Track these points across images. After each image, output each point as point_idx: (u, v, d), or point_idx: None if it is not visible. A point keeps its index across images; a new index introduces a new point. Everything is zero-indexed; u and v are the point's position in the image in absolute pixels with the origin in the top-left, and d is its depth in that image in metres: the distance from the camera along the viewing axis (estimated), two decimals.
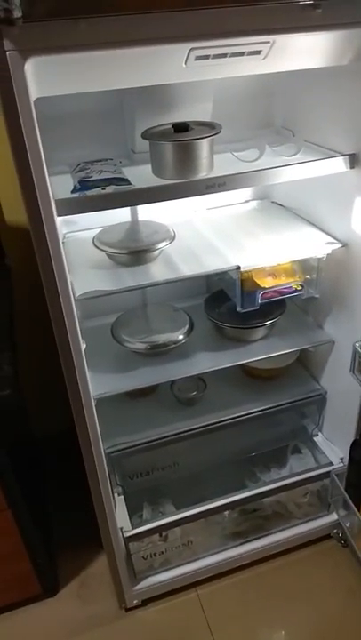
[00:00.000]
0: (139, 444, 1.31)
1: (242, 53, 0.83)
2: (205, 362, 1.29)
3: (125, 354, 1.30)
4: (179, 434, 1.34)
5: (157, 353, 1.28)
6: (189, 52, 0.78)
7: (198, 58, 0.80)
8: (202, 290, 1.55)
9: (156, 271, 1.16)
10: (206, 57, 0.80)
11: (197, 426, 1.35)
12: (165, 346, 1.26)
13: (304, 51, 0.87)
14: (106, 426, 1.34)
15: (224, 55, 0.82)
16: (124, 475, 1.37)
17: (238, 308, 1.23)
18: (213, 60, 0.82)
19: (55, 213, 0.88)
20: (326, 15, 0.79)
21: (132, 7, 0.70)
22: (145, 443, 1.31)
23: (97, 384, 1.22)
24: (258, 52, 0.84)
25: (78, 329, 0.98)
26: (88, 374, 1.07)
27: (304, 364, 1.52)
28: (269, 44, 0.83)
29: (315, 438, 1.55)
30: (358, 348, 1.10)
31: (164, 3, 0.70)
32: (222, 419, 1.37)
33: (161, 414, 1.39)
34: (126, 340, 1.28)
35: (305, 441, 1.57)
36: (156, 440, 1.32)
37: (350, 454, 1.28)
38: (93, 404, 1.12)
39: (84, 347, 1.06)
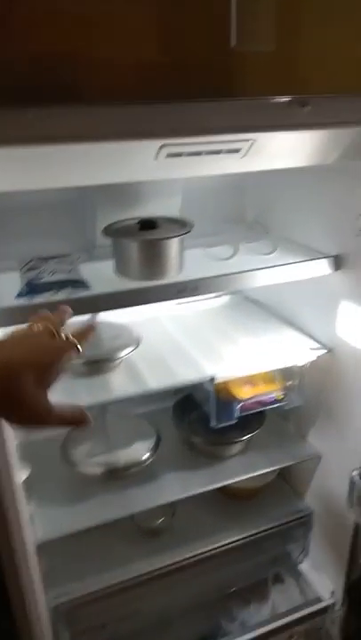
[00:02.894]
0: (91, 594, 1.06)
1: (219, 151, 0.72)
2: (175, 486, 1.09)
3: (78, 478, 1.09)
4: (141, 576, 1.10)
5: (117, 477, 1.07)
6: (160, 149, 0.67)
7: (170, 155, 0.69)
8: (169, 391, 1.38)
9: (118, 383, 0.99)
10: (179, 154, 0.69)
11: (164, 565, 1.12)
12: (127, 469, 1.06)
13: (287, 149, 0.78)
14: (50, 567, 1.10)
15: (199, 153, 0.71)
16: (72, 633, 1.10)
17: (213, 423, 1.07)
18: (187, 158, 0.71)
19: None
20: (314, 114, 0.70)
21: (91, 97, 0.58)
22: (98, 591, 1.07)
23: (40, 522, 0.99)
24: (237, 151, 0.74)
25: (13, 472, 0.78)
26: (28, 511, 0.86)
27: (286, 479, 1.34)
28: (250, 142, 0.73)
29: (300, 566, 1.34)
30: (357, 479, 0.93)
31: (129, 93, 0.58)
32: (194, 553, 1.14)
33: (120, 549, 1.16)
34: (79, 462, 1.07)
35: (289, 569, 1.35)
36: (113, 586, 1.08)
37: (350, 595, 1.07)
38: (33, 551, 0.89)
39: (25, 475, 0.86)
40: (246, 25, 0.56)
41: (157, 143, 0.65)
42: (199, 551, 1.15)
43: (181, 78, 0.58)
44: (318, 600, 1.25)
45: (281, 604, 1.31)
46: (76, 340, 0.57)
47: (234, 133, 0.69)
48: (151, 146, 0.65)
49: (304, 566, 1.34)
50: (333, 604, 1.24)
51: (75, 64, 0.57)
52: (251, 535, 1.19)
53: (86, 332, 0.60)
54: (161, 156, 0.68)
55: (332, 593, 1.25)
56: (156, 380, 0.98)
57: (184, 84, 0.58)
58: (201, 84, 0.59)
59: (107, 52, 0.58)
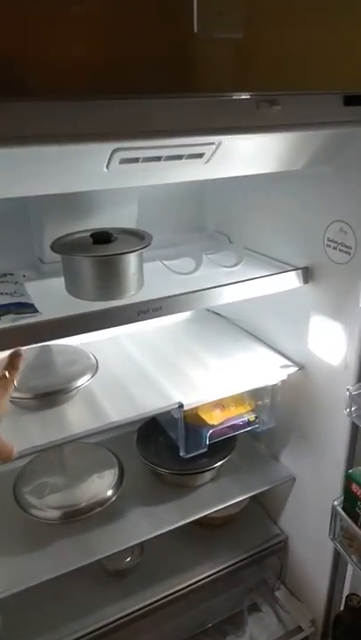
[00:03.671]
0: None
1: (180, 157, 0.64)
2: (142, 524, 0.99)
3: (33, 522, 0.97)
4: (109, 624, 1.00)
5: (78, 520, 0.96)
6: (112, 154, 0.58)
7: (124, 161, 0.60)
8: None
9: (74, 417, 0.88)
10: (135, 160, 0.60)
11: (133, 609, 1.02)
12: (89, 510, 0.95)
13: (255, 154, 0.71)
14: (3, 624, 0.98)
15: (158, 158, 0.62)
16: None
17: (182, 453, 0.98)
18: (144, 165, 0.62)
19: None
20: (284, 114, 0.63)
21: (29, 93, 0.48)
22: None
23: None
24: (200, 156, 0.66)
25: None
26: None
27: (259, 501, 1.27)
28: (214, 146, 0.65)
29: (276, 592, 1.27)
30: (339, 509, 0.86)
31: (74, 88, 0.48)
32: (166, 593, 1.05)
33: (84, 595, 1.05)
34: (33, 505, 0.95)
35: (265, 596, 1.28)
36: (79, 639, 0.97)
37: (334, 631, 1.01)
38: None
39: None
40: (212, 6, 0.48)
41: (109, 147, 0.55)
42: (171, 590, 1.06)
43: (136, 71, 0.49)
44: (299, 630, 1.18)
45: (259, 635, 1.23)
46: (6, 373, 0.56)
47: (197, 136, 0.61)
48: (102, 150, 0.55)
49: (281, 593, 1.27)
50: (314, 634, 1.18)
51: (9, 55, 0.47)
52: (226, 567, 1.11)
53: (14, 361, 0.58)
54: (114, 162, 0.59)
55: (312, 621, 1.19)
56: (117, 412, 0.88)
57: (139, 77, 0.49)
58: (159, 77, 0.50)
59: (48, 41, 0.48)
